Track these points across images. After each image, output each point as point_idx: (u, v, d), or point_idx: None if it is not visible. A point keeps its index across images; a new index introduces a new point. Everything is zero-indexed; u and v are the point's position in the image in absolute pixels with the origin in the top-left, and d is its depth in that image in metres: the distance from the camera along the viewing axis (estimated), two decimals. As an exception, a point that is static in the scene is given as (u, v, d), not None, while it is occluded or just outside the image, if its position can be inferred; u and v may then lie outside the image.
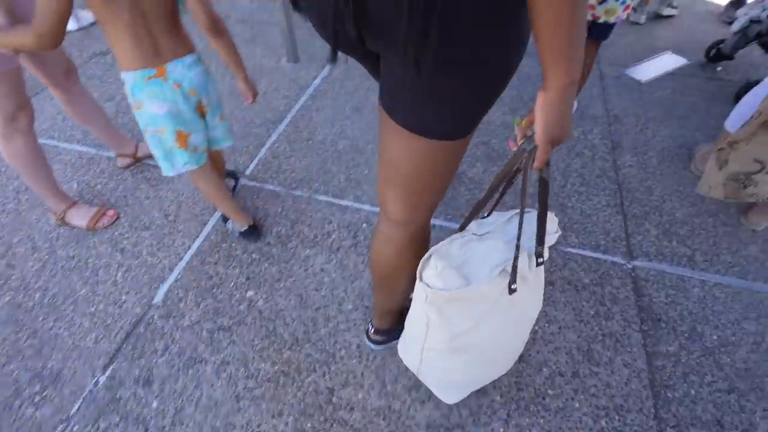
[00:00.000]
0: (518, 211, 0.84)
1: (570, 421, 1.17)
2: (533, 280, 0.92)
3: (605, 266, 1.53)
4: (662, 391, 1.23)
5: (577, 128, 2.11)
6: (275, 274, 1.51)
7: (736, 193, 1.54)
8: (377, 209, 1.71)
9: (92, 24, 2.95)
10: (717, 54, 2.50)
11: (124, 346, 1.32)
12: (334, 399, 1.21)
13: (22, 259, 1.56)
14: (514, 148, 0.79)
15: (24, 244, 1.61)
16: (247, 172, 1.90)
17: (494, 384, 1.23)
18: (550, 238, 0.91)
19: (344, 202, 1.76)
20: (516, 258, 0.83)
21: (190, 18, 1.14)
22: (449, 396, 1.14)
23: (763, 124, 1.41)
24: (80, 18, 2.94)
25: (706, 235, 1.64)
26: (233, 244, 1.60)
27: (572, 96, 0.61)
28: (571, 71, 0.57)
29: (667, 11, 3.14)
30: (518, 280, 0.86)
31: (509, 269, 0.85)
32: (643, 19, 3.05)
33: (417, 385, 1.23)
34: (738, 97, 2.26)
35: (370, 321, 1.27)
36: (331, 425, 1.16)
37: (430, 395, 1.20)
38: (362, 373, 1.26)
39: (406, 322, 1.08)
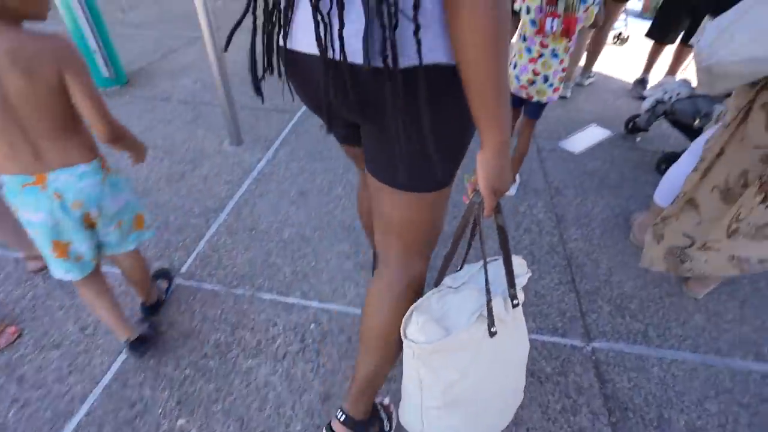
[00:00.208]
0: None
1: None
2: (512, 322, 0.96)
3: (565, 351, 1.48)
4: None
5: (522, 203, 2.16)
6: (212, 394, 1.32)
7: (676, 267, 1.59)
8: (326, 306, 1.60)
9: None
10: (634, 127, 2.76)
11: None
12: None
13: None
14: (467, 202, 0.90)
15: None
16: (183, 269, 1.73)
17: None
18: (521, 280, 0.98)
19: (290, 300, 1.62)
20: (489, 301, 0.88)
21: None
22: None
23: (688, 201, 1.51)
24: None
25: (655, 308, 1.66)
26: (163, 358, 1.41)
27: (506, 153, 0.73)
28: (503, 130, 0.69)
29: (587, 81, 3.53)
30: (497, 323, 0.90)
31: (486, 314, 0.89)
32: (569, 93, 3.35)
33: None
34: (659, 166, 2.46)
35: (339, 409, 1.12)
36: None
37: None
38: None
39: (402, 388, 1.08)
